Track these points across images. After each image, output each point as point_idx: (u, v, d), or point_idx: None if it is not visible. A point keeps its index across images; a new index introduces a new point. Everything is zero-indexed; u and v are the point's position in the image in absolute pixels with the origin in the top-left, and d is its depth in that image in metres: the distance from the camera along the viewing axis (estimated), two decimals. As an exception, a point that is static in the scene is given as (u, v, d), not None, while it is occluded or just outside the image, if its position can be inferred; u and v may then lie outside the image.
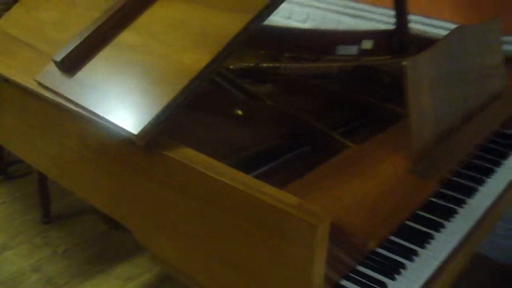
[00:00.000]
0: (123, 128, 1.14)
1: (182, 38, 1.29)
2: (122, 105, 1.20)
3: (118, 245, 2.19)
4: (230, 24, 1.25)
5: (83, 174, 1.39)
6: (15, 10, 1.73)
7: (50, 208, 2.27)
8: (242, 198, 1.00)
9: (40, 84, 1.38)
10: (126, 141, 1.18)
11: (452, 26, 1.97)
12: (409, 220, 1.26)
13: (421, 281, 1.09)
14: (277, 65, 1.90)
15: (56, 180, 1.53)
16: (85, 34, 1.37)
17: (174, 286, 1.99)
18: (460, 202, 1.35)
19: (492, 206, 1.40)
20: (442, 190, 1.40)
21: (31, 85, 1.39)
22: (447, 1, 2.10)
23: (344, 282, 1.06)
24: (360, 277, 1.08)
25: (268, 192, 0.98)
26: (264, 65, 1.88)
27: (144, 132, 1.11)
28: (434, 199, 1.35)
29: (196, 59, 1.21)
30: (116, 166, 1.26)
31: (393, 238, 1.21)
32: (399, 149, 1.20)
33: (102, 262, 2.08)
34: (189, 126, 1.44)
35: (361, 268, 1.10)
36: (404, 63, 1.10)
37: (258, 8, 1.24)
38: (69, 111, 1.30)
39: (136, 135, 1.11)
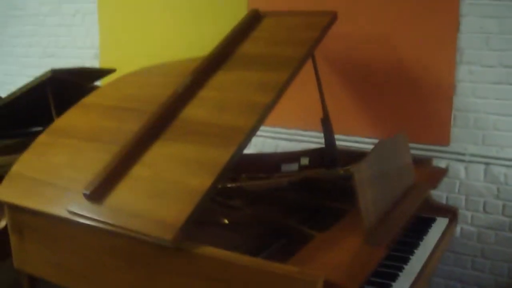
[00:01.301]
0: (158, 237, 1.53)
1: (184, 167, 1.73)
2: (151, 219, 1.59)
3: None
4: (219, 156, 1.71)
5: (112, 282, 1.72)
6: (26, 156, 2.08)
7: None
8: (260, 275, 1.41)
9: (72, 212, 1.74)
10: (157, 246, 1.55)
11: (369, 140, 2.55)
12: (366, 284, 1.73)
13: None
14: (239, 184, 2.36)
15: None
16: (105, 173, 1.77)
17: None
18: (400, 268, 1.84)
19: (421, 270, 1.89)
20: (385, 262, 1.88)
21: (65, 214, 1.75)
22: (363, 123, 2.71)
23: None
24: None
25: (276, 267, 1.40)
26: (229, 185, 2.34)
27: (176, 237, 1.51)
28: (380, 269, 1.83)
29: (201, 182, 1.64)
30: (146, 268, 1.61)
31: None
32: (352, 230, 1.67)
33: None
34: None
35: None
36: (351, 169, 1.61)
37: (238, 142, 1.73)
38: (101, 231, 1.67)
39: (171, 240, 1.50)
